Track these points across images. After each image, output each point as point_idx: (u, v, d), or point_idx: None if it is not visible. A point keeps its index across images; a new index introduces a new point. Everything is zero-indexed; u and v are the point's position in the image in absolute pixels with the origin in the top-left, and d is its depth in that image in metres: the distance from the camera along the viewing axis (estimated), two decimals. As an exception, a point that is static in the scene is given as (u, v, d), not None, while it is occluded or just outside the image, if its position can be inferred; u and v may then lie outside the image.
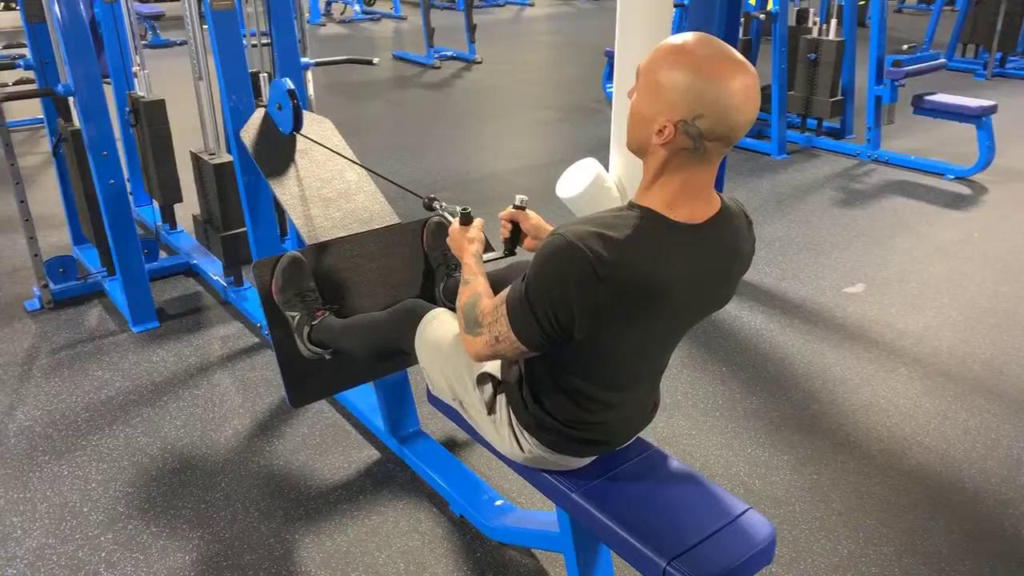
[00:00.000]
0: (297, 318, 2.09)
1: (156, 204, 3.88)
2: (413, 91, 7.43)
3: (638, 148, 1.32)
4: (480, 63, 8.39)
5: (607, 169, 3.33)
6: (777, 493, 2.25)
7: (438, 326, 1.75)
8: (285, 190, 2.35)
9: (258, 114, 2.51)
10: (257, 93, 3.16)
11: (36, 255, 3.21)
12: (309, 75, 3.57)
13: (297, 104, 2.39)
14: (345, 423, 2.56)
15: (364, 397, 2.53)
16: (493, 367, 1.61)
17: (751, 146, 5.46)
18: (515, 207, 1.71)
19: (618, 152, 3.32)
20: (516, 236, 1.74)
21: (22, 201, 3.11)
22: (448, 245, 1.72)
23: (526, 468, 1.66)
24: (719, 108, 1.20)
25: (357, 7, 11.76)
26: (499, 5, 13.15)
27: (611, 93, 4.99)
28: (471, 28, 8.40)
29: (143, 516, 2.16)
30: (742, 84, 1.20)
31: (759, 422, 2.56)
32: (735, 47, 3.90)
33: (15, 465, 2.36)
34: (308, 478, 2.31)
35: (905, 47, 5.03)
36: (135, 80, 3.62)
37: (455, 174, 4.99)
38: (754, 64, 5.67)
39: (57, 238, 3.89)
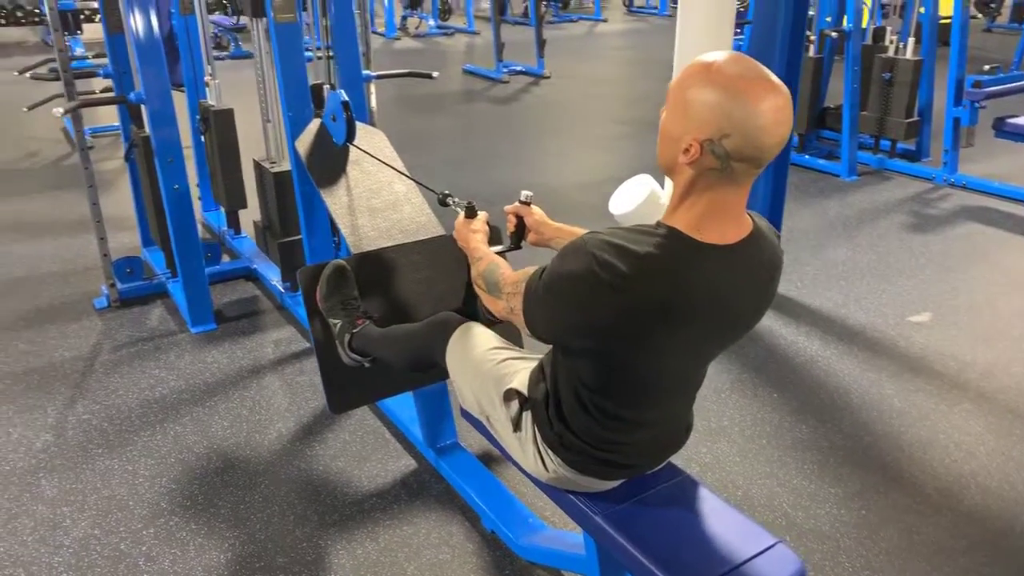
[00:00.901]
0: (339, 325, 2.11)
1: (223, 209, 4.01)
2: (480, 105, 7.50)
3: (667, 167, 1.30)
4: (548, 78, 8.41)
5: (663, 186, 3.30)
6: (821, 527, 2.16)
7: (469, 340, 1.75)
8: (335, 199, 2.40)
9: (314, 124, 2.56)
10: (320, 104, 3.24)
11: (105, 255, 3.35)
12: (372, 88, 3.64)
13: (350, 116, 2.43)
14: (386, 431, 2.57)
15: (405, 407, 2.54)
16: (519, 383, 1.60)
17: (820, 167, 5.32)
18: (520, 202, 1.80)
19: (674, 170, 3.28)
20: (521, 230, 1.84)
21: (95, 203, 3.25)
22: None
23: (552, 488, 1.64)
24: (747, 128, 1.17)
25: (432, 22, 11.96)
26: (572, 21, 13.18)
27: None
28: (541, 43, 8.44)
29: (184, 513, 2.22)
30: (772, 104, 1.17)
31: (807, 452, 2.47)
32: (798, 65, 3.76)
33: (70, 456, 2.46)
34: (345, 484, 2.34)
35: (987, 67, 4.82)
36: (206, 89, 3.75)
37: (515, 187, 4.96)
38: (826, 83, 5.54)
39: (130, 239, 4.04)
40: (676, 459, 2.39)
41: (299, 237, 3.15)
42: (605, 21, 13.25)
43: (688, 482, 1.64)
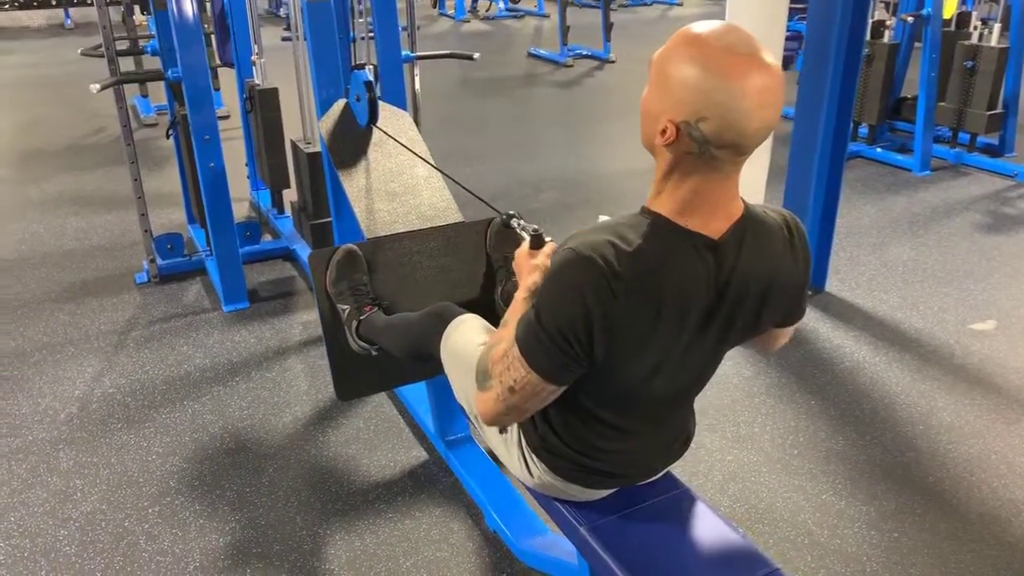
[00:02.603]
0: (347, 311, 2.06)
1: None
2: (541, 89, 7.37)
3: (648, 147, 1.18)
4: (614, 62, 8.22)
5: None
6: (847, 548, 2.01)
7: (462, 333, 1.67)
8: (353, 181, 2.34)
9: (339, 105, 2.51)
10: (362, 85, 3.20)
11: (146, 231, 3.39)
12: (417, 69, 3.59)
13: (373, 96, 2.37)
14: (400, 420, 2.52)
15: (421, 396, 2.48)
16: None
17: (891, 160, 5.03)
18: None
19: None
20: None
21: (136, 180, 3.29)
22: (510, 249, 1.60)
23: (539, 493, 1.55)
24: (726, 111, 1.04)
25: (501, 4, 11.84)
26: (646, 4, 12.87)
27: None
28: (607, 27, 8.24)
29: (191, 493, 2.21)
30: (758, 85, 1.04)
31: (841, 466, 2.31)
32: (859, 52, 3.44)
33: (91, 429, 2.49)
34: (352, 473, 2.29)
35: (1081, 57, 4.46)
36: (252, 68, 3.75)
37: (564, 174, 4.88)
38: (903, 71, 5.22)
39: (179, 216, 4.10)
40: (698, 466, 2.29)
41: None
42: (680, 4, 12.89)
43: (685, 496, 1.53)
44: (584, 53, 8.46)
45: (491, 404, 1.27)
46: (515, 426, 1.49)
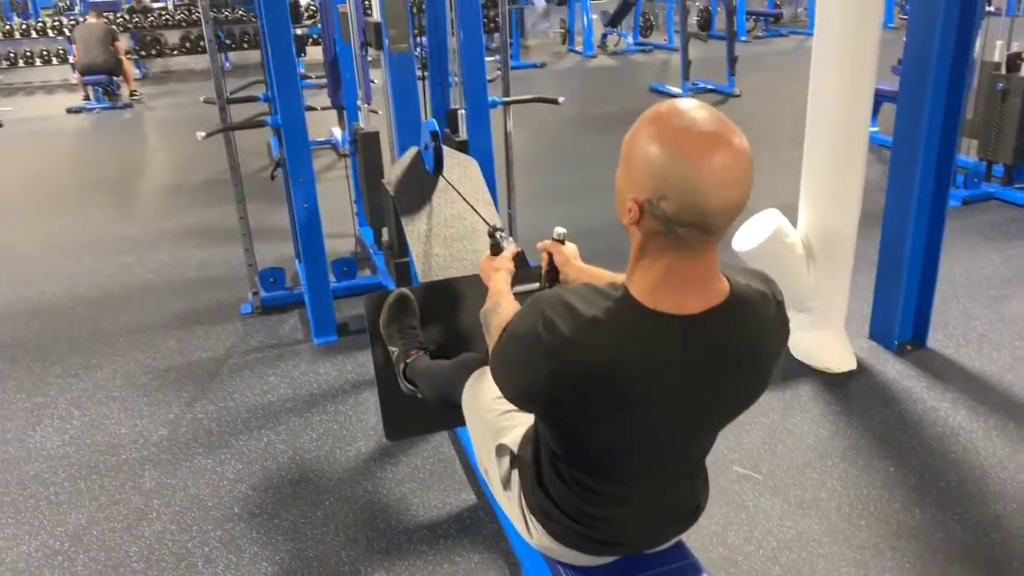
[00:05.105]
0: (396, 353, 2.13)
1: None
2: (658, 125, 7.30)
3: (623, 225, 1.17)
4: (738, 96, 8.03)
5: (795, 221, 3.01)
6: (905, 636, 1.85)
7: (480, 385, 1.69)
8: (414, 226, 2.42)
9: (409, 153, 2.61)
10: (455, 129, 3.31)
11: (251, 265, 3.63)
12: (509, 112, 3.68)
13: (439, 145, 2.45)
14: (456, 462, 2.56)
15: (478, 439, 2.51)
16: (512, 440, 1.51)
17: (1029, 202, 4.62)
18: (553, 239, 1.67)
19: (807, 206, 2.98)
20: (554, 269, 1.69)
21: (242, 217, 3.54)
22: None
23: (542, 555, 1.53)
24: (685, 190, 1.02)
25: (630, 39, 11.86)
26: (781, 35, 12.51)
27: (874, 134, 4.41)
28: (732, 60, 8.08)
29: (251, 520, 2.34)
30: (717, 164, 1.01)
31: (913, 542, 2.13)
32: (962, 77, 3.20)
33: (175, 452, 2.68)
34: (402, 511, 2.35)
35: None
36: (358, 112, 3.96)
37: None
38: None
39: (291, 250, 4.35)
40: (752, 531, 2.19)
41: (414, 259, 3.22)
42: (819, 35, 12.43)
43: (691, 568, 1.47)
44: (707, 87, 8.32)
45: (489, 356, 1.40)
46: (516, 486, 1.49)
